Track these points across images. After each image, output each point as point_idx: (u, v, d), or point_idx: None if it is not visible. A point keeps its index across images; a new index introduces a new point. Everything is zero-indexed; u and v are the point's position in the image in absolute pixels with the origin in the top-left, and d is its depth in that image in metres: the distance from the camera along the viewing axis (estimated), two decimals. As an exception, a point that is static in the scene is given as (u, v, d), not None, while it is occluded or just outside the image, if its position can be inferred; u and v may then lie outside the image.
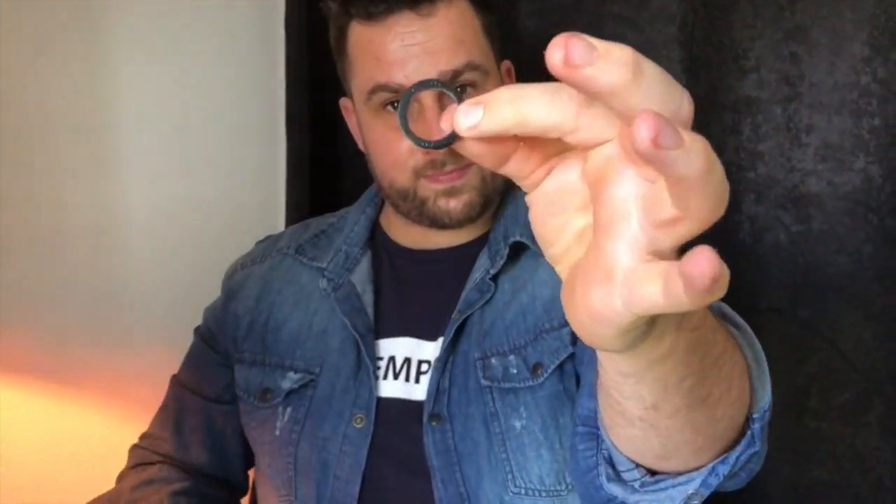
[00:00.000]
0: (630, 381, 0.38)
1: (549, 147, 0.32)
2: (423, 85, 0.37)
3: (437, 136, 0.33)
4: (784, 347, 1.03)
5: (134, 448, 0.93)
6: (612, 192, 0.29)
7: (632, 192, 0.28)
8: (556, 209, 0.33)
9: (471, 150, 0.31)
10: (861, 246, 1.02)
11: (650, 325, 0.32)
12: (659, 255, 0.28)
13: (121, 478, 0.91)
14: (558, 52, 0.25)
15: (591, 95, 0.27)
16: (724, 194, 0.26)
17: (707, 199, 0.26)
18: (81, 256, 1.13)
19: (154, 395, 1.08)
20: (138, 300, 1.16)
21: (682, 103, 0.27)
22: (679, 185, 0.25)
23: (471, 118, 0.29)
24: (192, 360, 0.93)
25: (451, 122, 0.30)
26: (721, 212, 0.26)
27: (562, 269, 0.34)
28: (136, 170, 1.15)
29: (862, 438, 1.02)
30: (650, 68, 0.27)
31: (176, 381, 0.94)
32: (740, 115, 1.05)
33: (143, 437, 0.93)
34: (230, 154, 1.20)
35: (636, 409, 0.41)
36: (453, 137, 0.31)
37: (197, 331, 0.94)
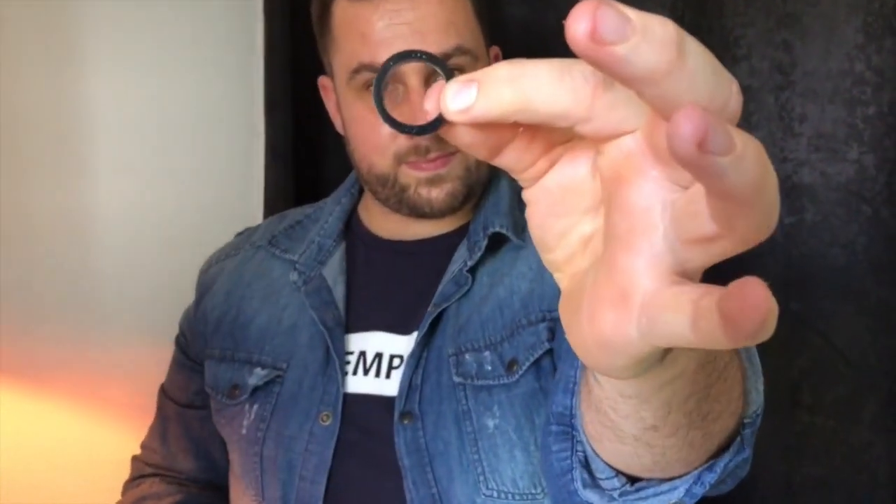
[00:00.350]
0: (632, 403, 0.34)
1: (554, 135, 0.27)
2: (404, 57, 0.29)
3: (421, 120, 0.28)
4: (776, 341, 1.00)
5: (133, 459, 0.93)
6: (632, 196, 0.24)
7: (657, 198, 0.24)
8: (559, 210, 0.28)
9: (460, 137, 0.26)
10: (855, 238, 0.99)
11: (666, 351, 0.28)
12: (684, 274, 0.24)
13: (123, 490, 0.91)
14: (583, 22, 0.20)
15: (620, 80, 0.22)
16: (776, 210, 0.22)
17: (756, 217, 0.21)
18: (53, 251, 1.10)
19: (127, 393, 1.06)
20: (112, 296, 1.13)
21: (730, 95, 0.22)
22: (724, 198, 0.21)
23: (461, 99, 0.25)
24: (171, 367, 0.93)
25: (438, 102, 0.25)
26: (770, 231, 0.22)
27: (562, 278, 0.29)
28: (109, 161, 1.13)
29: (856, 434, 1.00)
30: (695, 49, 0.22)
31: (161, 389, 0.93)
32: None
33: (141, 446, 0.93)
34: (207, 143, 1.18)
35: (632, 429, 0.37)
36: (439, 122, 0.26)
37: (176, 339, 0.93)
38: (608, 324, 0.25)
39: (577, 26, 0.20)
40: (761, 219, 0.22)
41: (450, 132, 0.26)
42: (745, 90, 1.02)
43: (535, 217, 0.29)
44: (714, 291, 0.21)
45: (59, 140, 1.11)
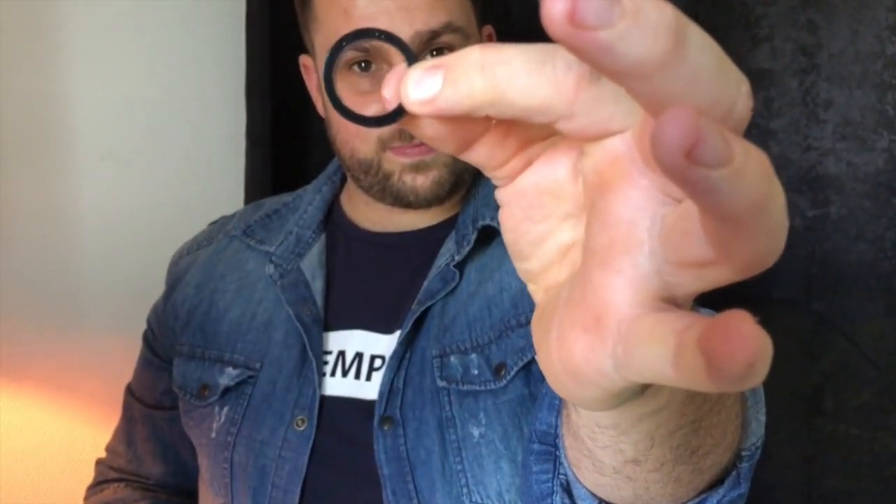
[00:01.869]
0: (609, 434, 0.31)
1: (533, 130, 0.25)
2: (359, 35, 0.26)
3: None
4: (797, 342, 1.00)
5: (97, 463, 0.90)
6: (616, 206, 0.22)
7: (646, 210, 0.21)
8: (535, 215, 0.26)
9: (423, 129, 0.23)
10: (883, 233, 0.96)
11: (646, 384, 0.25)
12: (671, 301, 0.21)
13: (85, 496, 0.88)
14: (560, 0, 0.17)
15: (605, 73, 0.19)
16: (782, 235, 0.19)
17: (757, 243, 0.18)
18: (35, 245, 1.09)
19: (108, 388, 1.05)
20: (91, 287, 1.11)
21: (737, 97, 0.19)
22: (719, 218, 0.18)
23: (425, 89, 0.22)
24: (138, 365, 0.89)
25: (397, 90, 0.23)
26: (774, 258, 0.19)
27: (536, 290, 0.27)
28: (88, 150, 1.11)
29: (882, 443, 0.97)
30: (699, 41, 0.18)
31: (127, 389, 0.89)
32: (752, 88, 0.98)
33: (106, 449, 0.90)
34: (189, 130, 1.16)
35: (611, 461, 0.33)
36: (400, 112, 0.23)
37: (143, 334, 0.89)
38: (578, 350, 0.22)
39: (553, 5, 0.17)
40: (763, 245, 0.19)
41: (412, 123, 0.24)
42: (767, 74, 0.99)
43: (509, 221, 0.26)
44: (702, 323, 0.18)
45: (41, 132, 1.09)
